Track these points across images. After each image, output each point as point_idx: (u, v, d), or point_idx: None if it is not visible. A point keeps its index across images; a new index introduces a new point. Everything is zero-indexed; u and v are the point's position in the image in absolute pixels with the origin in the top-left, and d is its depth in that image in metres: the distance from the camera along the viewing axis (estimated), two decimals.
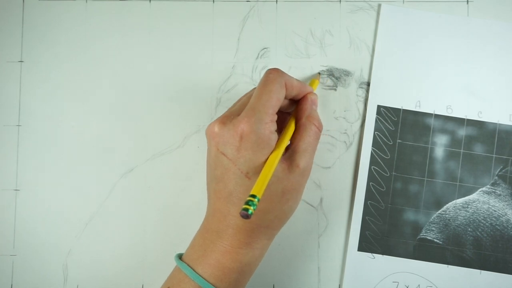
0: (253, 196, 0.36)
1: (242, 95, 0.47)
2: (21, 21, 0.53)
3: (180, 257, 0.43)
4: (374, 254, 0.50)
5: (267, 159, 0.40)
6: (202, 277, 0.40)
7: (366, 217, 0.51)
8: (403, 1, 0.52)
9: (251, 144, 0.39)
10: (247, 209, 0.35)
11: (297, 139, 0.42)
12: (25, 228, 0.52)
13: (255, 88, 0.44)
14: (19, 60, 0.53)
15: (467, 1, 0.52)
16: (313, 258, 0.51)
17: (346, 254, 0.50)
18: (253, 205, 0.35)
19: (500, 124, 0.51)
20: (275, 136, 0.40)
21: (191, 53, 0.52)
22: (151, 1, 0.53)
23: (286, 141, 0.42)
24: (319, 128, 0.43)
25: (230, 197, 0.40)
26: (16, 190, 0.52)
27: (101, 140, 0.52)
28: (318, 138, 0.43)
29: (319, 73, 0.51)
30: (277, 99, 0.41)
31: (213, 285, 0.40)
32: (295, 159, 0.41)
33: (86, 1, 0.53)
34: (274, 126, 0.40)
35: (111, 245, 0.51)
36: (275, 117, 0.41)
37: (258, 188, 0.37)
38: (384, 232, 0.50)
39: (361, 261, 0.50)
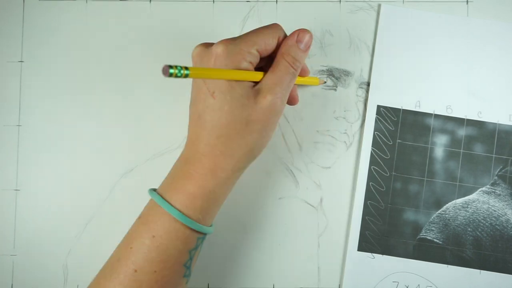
0: (186, 68, 0.33)
1: None
2: (22, 21, 0.53)
3: (154, 190, 0.44)
4: (374, 254, 0.50)
5: (233, 85, 0.40)
6: (169, 202, 0.41)
7: (366, 217, 0.51)
8: (403, 1, 0.52)
9: (220, 64, 0.40)
10: (170, 67, 0.32)
11: (268, 73, 0.42)
12: (25, 228, 0.52)
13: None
14: (19, 60, 0.53)
15: (467, 1, 0.52)
16: (313, 258, 0.51)
17: (346, 254, 0.51)
18: (179, 71, 0.33)
19: (500, 124, 0.51)
20: (248, 65, 0.41)
21: (191, 53, 0.52)
22: (151, 1, 0.53)
23: (259, 73, 0.42)
24: (292, 64, 0.42)
25: (199, 120, 0.41)
26: (16, 190, 0.52)
27: (101, 140, 0.52)
28: (290, 74, 0.42)
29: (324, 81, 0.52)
30: (263, 41, 0.41)
31: (178, 210, 0.40)
32: (262, 91, 0.41)
33: (86, 1, 0.53)
34: (250, 58, 0.41)
35: (111, 245, 0.51)
36: (256, 54, 0.41)
37: (197, 69, 0.36)
38: (384, 232, 0.51)
39: (361, 261, 0.50)
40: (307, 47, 0.44)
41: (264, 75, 0.42)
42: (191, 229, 0.41)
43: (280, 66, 0.42)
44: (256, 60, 0.42)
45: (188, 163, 0.42)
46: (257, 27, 0.42)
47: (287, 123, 0.52)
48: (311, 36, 0.44)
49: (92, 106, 0.52)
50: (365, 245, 0.50)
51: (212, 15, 0.53)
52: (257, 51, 0.41)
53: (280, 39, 0.43)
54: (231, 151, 0.41)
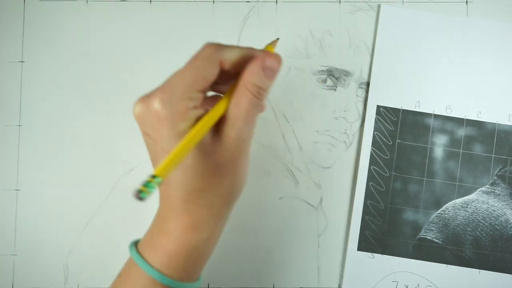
0: (153, 176, 0.31)
1: None
2: (22, 21, 0.53)
3: (136, 244, 0.41)
4: (374, 254, 0.51)
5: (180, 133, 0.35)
6: (148, 262, 0.38)
7: (366, 217, 0.51)
8: (403, 2, 0.52)
9: (165, 121, 0.35)
10: (140, 191, 0.31)
11: (230, 106, 0.37)
12: (26, 228, 0.52)
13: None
14: (20, 60, 0.53)
15: (466, 2, 0.52)
16: (313, 258, 0.51)
17: (345, 253, 0.51)
18: (150, 186, 0.31)
19: (499, 124, 0.51)
20: (195, 112, 0.36)
21: (191, 53, 0.52)
22: (151, 1, 0.53)
23: (208, 118, 0.36)
24: (256, 95, 0.37)
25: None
26: (16, 190, 0.52)
27: (101, 140, 0.52)
28: (254, 105, 0.37)
29: (277, 38, 0.44)
30: (202, 77, 0.36)
31: (158, 271, 0.37)
32: (224, 129, 0.37)
33: (87, 2, 0.53)
34: (193, 103, 0.36)
35: (111, 245, 0.51)
36: (198, 95, 0.36)
37: (162, 168, 0.32)
38: (384, 231, 0.51)
39: (360, 260, 0.50)
40: (275, 74, 0.37)
41: (223, 103, 0.37)
42: None
43: (243, 97, 0.36)
44: (201, 98, 0.37)
45: (164, 221, 0.39)
46: (189, 61, 0.37)
47: (287, 123, 0.52)
48: (279, 62, 0.37)
49: (93, 106, 0.52)
50: (365, 245, 0.51)
51: (212, 15, 0.53)
52: (199, 91, 0.36)
53: (223, 59, 0.37)
54: (209, 202, 0.37)
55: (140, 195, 0.31)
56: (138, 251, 0.39)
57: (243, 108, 0.36)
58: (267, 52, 0.38)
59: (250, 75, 0.36)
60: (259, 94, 0.37)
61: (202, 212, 0.38)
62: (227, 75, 0.38)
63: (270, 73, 0.37)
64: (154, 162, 0.38)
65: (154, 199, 0.51)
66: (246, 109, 0.37)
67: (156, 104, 0.36)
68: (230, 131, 0.37)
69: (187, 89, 0.36)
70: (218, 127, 0.37)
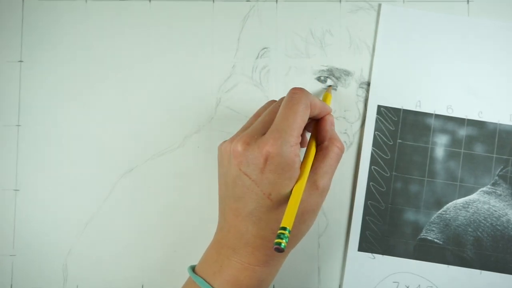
0: (284, 228, 0.36)
1: (242, 95, 0.47)
2: (21, 21, 0.53)
3: (193, 269, 0.43)
4: (374, 254, 0.50)
5: (290, 182, 0.39)
6: None
7: (366, 217, 0.51)
8: (403, 1, 0.52)
9: (276, 167, 0.39)
10: (279, 243, 0.35)
11: (319, 161, 0.42)
12: (25, 228, 0.52)
13: (271, 101, 0.44)
14: (19, 60, 0.53)
15: (468, 1, 0.52)
16: (313, 258, 0.51)
17: (346, 254, 0.50)
18: (285, 237, 0.36)
19: (500, 124, 0.51)
20: (299, 159, 0.40)
21: (191, 53, 0.52)
22: (151, 1, 0.53)
23: (309, 167, 0.41)
24: (342, 150, 0.43)
25: (250, 216, 0.40)
26: (16, 190, 0.52)
27: (101, 140, 0.52)
28: (339, 159, 0.43)
29: (330, 86, 0.51)
30: (302, 121, 0.40)
31: None
32: (315, 181, 0.41)
33: (86, 1, 0.53)
34: (299, 149, 0.40)
35: (111, 245, 0.51)
36: (300, 139, 0.40)
37: (288, 220, 0.37)
38: (385, 232, 0.50)
39: (361, 261, 0.50)
40: None
41: (311, 152, 0.42)
42: None
43: (332, 154, 0.42)
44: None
45: (237, 254, 0.41)
46: (287, 105, 0.40)
47: None
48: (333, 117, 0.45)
49: (92, 106, 0.52)
50: (365, 245, 0.50)
51: (212, 15, 0.53)
52: (300, 134, 0.40)
53: (311, 103, 0.41)
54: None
55: (280, 247, 0.35)
56: (204, 279, 0.41)
57: (331, 163, 0.42)
58: (326, 109, 0.44)
59: (332, 132, 0.43)
60: (343, 149, 0.43)
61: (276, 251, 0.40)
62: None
63: (334, 127, 0.45)
64: (239, 198, 0.40)
65: (151, 203, 0.51)
66: (333, 163, 0.42)
67: (270, 149, 0.38)
68: (320, 182, 0.41)
69: (294, 135, 0.39)
70: (310, 179, 0.41)
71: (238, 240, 0.41)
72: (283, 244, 0.35)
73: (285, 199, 0.39)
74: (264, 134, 0.40)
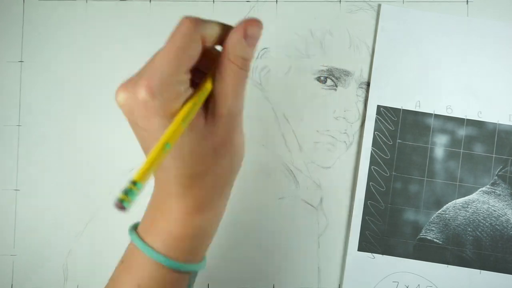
0: (134, 182, 0.29)
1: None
2: (22, 21, 0.53)
3: (135, 227, 0.40)
4: (374, 254, 0.50)
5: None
6: (151, 247, 0.36)
7: (366, 217, 0.51)
8: (403, 1, 0.52)
9: (157, 110, 0.33)
10: (122, 200, 0.29)
11: (216, 82, 0.35)
12: (25, 228, 0.52)
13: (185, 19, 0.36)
14: (19, 60, 0.53)
15: (467, 1, 0.52)
16: (313, 258, 0.51)
17: (346, 254, 0.51)
18: (132, 194, 0.29)
19: (499, 124, 0.51)
20: (186, 95, 0.34)
21: None
22: (151, 1, 0.53)
23: (195, 100, 0.34)
24: (242, 66, 0.35)
25: (161, 168, 0.35)
26: (16, 190, 0.52)
27: (101, 140, 0.52)
28: (242, 77, 0.35)
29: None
30: (187, 57, 0.34)
31: (163, 255, 0.36)
32: (216, 108, 0.35)
33: (86, 1, 0.53)
34: (182, 86, 0.34)
35: (111, 245, 0.51)
36: (186, 77, 0.34)
37: (141, 173, 0.30)
38: (384, 232, 0.51)
39: (361, 261, 0.50)
40: (257, 40, 0.35)
41: (208, 81, 0.35)
42: (181, 272, 0.37)
43: (228, 72, 0.34)
44: (188, 79, 0.34)
45: (165, 204, 0.37)
46: (169, 41, 0.35)
47: (287, 123, 0.52)
48: (260, 27, 0.35)
49: (93, 106, 0.52)
50: (365, 245, 0.50)
51: (212, 15, 0.53)
52: (185, 72, 0.34)
53: (204, 35, 0.34)
54: (211, 183, 0.37)
55: (122, 204, 0.28)
56: (139, 237, 0.38)
57: (231, 83, 0.35)
58: (246, 20, 0.34)
59: (232, 47, 0.34)
60: (244, 65, 0.35)
61: (205, 194, 0.37)
62: (209, 52, 0.36)
63: (252, 40, 0.35)
64: (144, 148, 0.37)
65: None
66: (234, 83, 0.35)
67: (143, 93, 0.33)
68: (221, 109, 0.35)
69: (174, 72, 0.33)
70: (207, 106, 0.35)
71: (162, 191, 0.37)
72: (126, 202, 0.28)
73: (186, 143, 0.34)
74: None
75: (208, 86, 0.35)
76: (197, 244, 0.38)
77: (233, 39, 0.34)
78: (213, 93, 0.35)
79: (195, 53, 0.34)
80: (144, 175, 0.30)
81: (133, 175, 0.29)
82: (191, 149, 0.35)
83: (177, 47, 0.34)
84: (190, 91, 0.34)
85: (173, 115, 0.33)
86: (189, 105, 0.34)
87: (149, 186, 0.41)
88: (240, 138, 0.37)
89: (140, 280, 0.37)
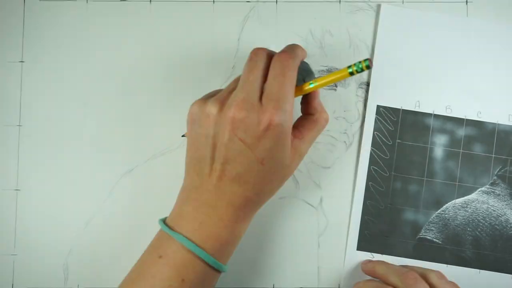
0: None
1: None
2: (22, 21, 0.53)
3: (164, 222, 0.44)
4: (374, 254, 0.51)
5: (284, 148, 0.41)
6: (201, 247, 0.41)
7: (366, 217, 0.51)
8: (403, 1, 0.52)
9: (275, 135, 0.40)
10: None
11: (308, 129, 0.44)
12: (26, 228, 0.52)
13: (257, 50, 0.44)
14: (20, 60, 0.52)
15: (466, 2, 0.52)
16: (313, 258, 0.51)
17: (346, 254, 0.51)
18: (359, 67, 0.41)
19: (499, 124, 0.51)
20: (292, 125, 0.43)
21: (191, 53, 0.52)
22: (151, 1, 0.53)
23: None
24: (327, 121, 0.46)
25: (237, 177, 0.41)
26: (16, 190, 0.52)
27: (101, 140, 0.52)
28: (321, 131, 0.46)
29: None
30: (294, 87, 0.42)
31: (213, 257, 0.42)
32: (301, 148, 0.43)
33: (87, 1, 0.53)
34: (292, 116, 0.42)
35: (111, 245, 0.51)
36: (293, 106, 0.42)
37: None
38: (384, 231, 0.51)
39: (360, 260, 0.50)
40: None
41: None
42: (218, 271, 0.43)
43: (319, 126, 0.45)
44: None
45: (217, 212, 0.42)
46: (281, 72, 0.41)
47: None
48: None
49: (92, 106, 0.52)
50: (364, 245, 0.51)
51: (212, 15, 0.53)
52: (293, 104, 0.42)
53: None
54: (263, 198, 0.44)
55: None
56: (184, 235, 0.42)
57: (316, 135, 0.45)
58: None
59: (323, 107, 0.45)
60: (328, 119, 0.45)
61: (252, 207, 0.43)
62: None
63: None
64: (230, 160, 0.41)
65: (151, 203, 0.51)
66: (318, 135, 0.45)
67: (272, 119, 0.40)
68: (304, 149, 0.44)
69: (291, 102, 0.41)
70: (294, 145, 0.43)
71: (220, 199, 0.42)
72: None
73: (277, 164, 0.41)
74: (259, 98, 0.41)
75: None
76: (233, 249, 0.44)
77: (318, 92, 0.45)
78: (301, 136, 0.44)
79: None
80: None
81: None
82: (274, 173, 0.42)
83: (290, 77, 0.41)
84: None
85: (283, 141, 0.41)
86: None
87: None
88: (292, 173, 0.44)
89: (185, 275, 0.41)
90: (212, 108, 0.41)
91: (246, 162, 0.41)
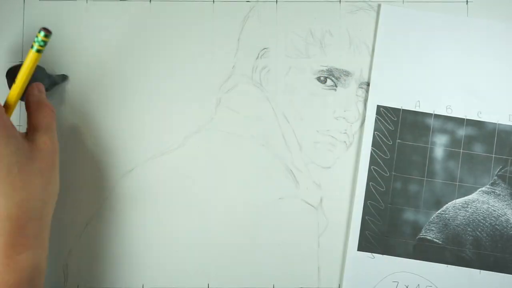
0: None
1: (242, 95, 0.47)
2: (22, 21, 0.53)
3: None
4: (374, 254, 0.50)
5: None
6: None
7: (366, 217, 0.51)
8: (403, 1, 0.52)
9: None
10: None
11: (36, 119, 0.44)
12: None
13: None
14: (20, 60, 0.52)
15: (467, 1, 0.52)
16: (313, 258, 0.51)
17: (345, 253, 0.51)
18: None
19: (499, 124, 0.51)
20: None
21: (191, 53, 0.52)
22: (151, 1, 0.53)
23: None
24: (53, 110, 0.46)
25: None
26: None
27: (101, 140, 0.52)
28: (54, 118, 0.46)
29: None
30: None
31: None
32: (41, 137, 0.42)
33: (87, 1, 0.53)
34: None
35: (111, 245, 0.51)
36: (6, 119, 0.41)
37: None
38: (384, 232, 0.51)
39: (361, 261, 0.50)
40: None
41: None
42: None
43: (46, 113, 0.45)
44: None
45: None
46: None
47: (287, 123, 0.52)
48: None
49: (92, 106, 0.52)
50: (365, 245, 0.51)
51: (212, 15, 0.53)
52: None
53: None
54: (37, 212, 0.38)
55: None
56: None
57: (49, 121, 0.45)
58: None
59: (43, 97, 0.46)
60: (54, 109, 0.46)
61: (33, 226, 0.37)
62: None
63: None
64: None
65: (151, 203, 0.51)
66: (51, 122, 0.45)
67: None
68: (46, 138, 0.42)
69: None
70: (31, 137, 0.41)
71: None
72: None
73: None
74: None
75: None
76: (38, 283, 0.36)
77: (38, 89, 0.47)
78: (33, 127, 0.43)
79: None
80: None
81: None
82: (19, 168, 0.35)
83: None
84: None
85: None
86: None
87: None
88: (57, 172, 0.41)
89: None
90: None
91: None
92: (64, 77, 0.52)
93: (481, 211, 0.50)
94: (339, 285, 0.51)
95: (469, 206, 0.50)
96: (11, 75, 0.49)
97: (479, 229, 0.50)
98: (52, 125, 0.45)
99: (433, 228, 0.50)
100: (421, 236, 0.50)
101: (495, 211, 0.50)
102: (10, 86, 0.49)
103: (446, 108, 0.51)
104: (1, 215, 0.35)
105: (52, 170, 0.42)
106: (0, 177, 0.35)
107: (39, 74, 0.49)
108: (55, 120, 0.46)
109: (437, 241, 0.50)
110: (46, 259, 0.39)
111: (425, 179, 0.51)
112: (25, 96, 0.46)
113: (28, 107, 0.45)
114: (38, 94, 0.46)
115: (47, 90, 0.50)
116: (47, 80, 0.50)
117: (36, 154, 0.40)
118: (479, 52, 0.51)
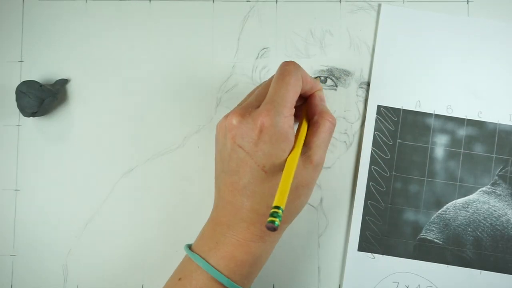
0: (277, 207, 0.36)
1: (242, 95, 0.47)
2: (21, 20, 0.53)
3: (189, 247, 0.43)
4: (374, 254, 0.50)
5: (284, 153, 0.39)
6: (215, 268, 0.40)
7: (366, 217, 0.51)
8: (403, 1, 0.52)
9: (270, 137, 0.39)
10: (273, 221, 0.35)
11: (311, 135, 0.42)
12: (25, 228, 0.52)
13: (266, 81, 0.44)
14: (19, 60, 0.53)
15: (467, 1, 0.52)
16: (313, 258, 0.51)
17: (346, 254, 0.50)
18: (278, 216, 0.35)
19: (500, 124, 0.51)
20: (293, 130, 0.40)
21: (191, 53, 0.52)
22: (151, 1, 0.53)
23: (302, 141, 0.41)
24: (333, 123, 0.43)
25: (244, 190, 0.40)
26: (16, 190, 0.52)
27: (101, 140, 0.52)
28: (332, 132, 0.44)
29: (319, 77, 0.51)
30: (294, 92, 0.40)
31: (226, 277, 0.40)
32: (309, 155, 0.41)
33: (86, 1, 0.53)
34: (292, 120, 0.40)
35: (111, 245, 0.51)
36: (293, 110, 0.41)
37: (281, 197, 0.36)
38: (384, 232, 0.50)
39: (361, 261, 0.50)
40: None
41: (303, 128, 0.43)
42: None
43: (323, 127, 0.42)
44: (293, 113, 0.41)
45: (232, 230, 0.41)
46: (279, 78, 0.41)
47: None
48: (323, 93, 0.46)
49: (92, 106, 0.52)
50: (365, 245, 0.50)
51: (212, 15, 0.53)
52: (293, 105, 0.41)
53: (303, 76, 0.42)
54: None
55: (274, 225, 0.35)
56: (202, 257, 0.41)
57: (323, 137, 0.42)
58: (317, 85, 0.45)
59: (322, 107, 0.44)
60: (334, 123, 0.43)
61: None
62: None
63: (325, 103, 0.46)
64: (234, 171, 0.40)
65: (151, 203, 0.51)
66: (325, 137, 0.42)
67: (264, 120, 0.39)
68: (313, 157, 0.41)
69: (287, 106, 0.40)
70: (301, 153, 0.41)
71: (233, 216, 0.41)
72: (276, 222, 0.35)
73: (279, 170, 0.39)
74: (258, 107, 0.40)
75: (305, 124, 0.43)
76: (253, 271, 0.42)
77: (317, 99, 0.44)
78: (306, 143, 0.42)
79: (299, 89, 0.41)
80: (282, 198, 0.36)
81: (275, 201, 0.36)
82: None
83: (287, 83, 0.40)
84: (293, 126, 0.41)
85: (280, 144, 0.39)
86: (301, 138, 0.41)
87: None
88: (313, 186, 0.43)
89: None
90: (223, 122, 0.41)
91: (249, 170, 0.40)
92: (64, 81, 0.52)
93: (482, 211, 0.50)
94: (339, 285, 0.51)
95: (469, 206, 0.50)
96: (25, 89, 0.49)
97: (480, 230, 0.50)
98: (326, 142, 0.43)
99: (433, 228, 0.50)
100: (422, 236, 0.50)
101: (495, 211, 0.50)
102: (20, 100, 0.49)
103: (447, 108, 0.51)
104: (249, 208, 0.40)
105: (313, 186, 0.43)
106: (286, 183, 0.38)
107: (32, 90, 0.48)
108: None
109: (438, 241, 0.50)
110: (270, 254, 0.43)
111: (426, 179, 0.51)
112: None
113: (308, 115, 0.45)
114: (321, 104, 0.45)
115: (42, 103, 0.49)
116: (41, 96, 0.49)
117: (303, 169, 0.41)
118: (480, 52, 0.51)
